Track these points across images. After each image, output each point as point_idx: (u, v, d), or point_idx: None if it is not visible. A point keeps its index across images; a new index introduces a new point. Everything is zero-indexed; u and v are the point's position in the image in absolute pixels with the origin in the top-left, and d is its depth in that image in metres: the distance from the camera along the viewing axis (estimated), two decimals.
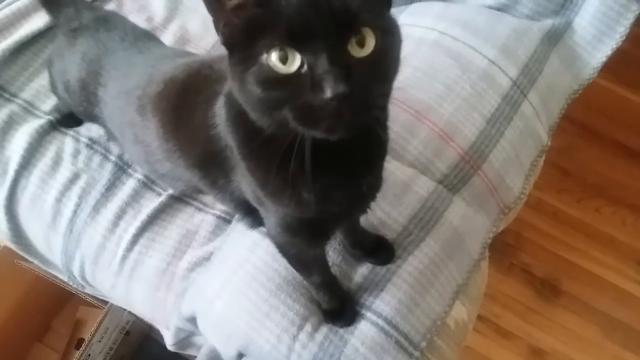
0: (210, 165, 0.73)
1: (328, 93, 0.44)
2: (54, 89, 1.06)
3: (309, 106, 0.45)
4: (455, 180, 0.90)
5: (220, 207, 1.03)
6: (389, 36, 0.49)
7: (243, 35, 0.48)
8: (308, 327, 0.80)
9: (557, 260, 1.64)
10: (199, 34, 1.23)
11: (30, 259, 1.16)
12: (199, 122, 0.69)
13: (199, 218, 1.03)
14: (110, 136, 1.06)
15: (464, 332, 0.87)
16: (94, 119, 0.99)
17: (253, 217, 0.82)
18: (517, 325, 1.56)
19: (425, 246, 0.83)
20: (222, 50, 0.54)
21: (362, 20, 0.46)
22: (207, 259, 0.98)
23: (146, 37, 0.99)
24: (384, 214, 0.84)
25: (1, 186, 1.07)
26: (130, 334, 1.42)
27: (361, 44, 0.47)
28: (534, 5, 1.07)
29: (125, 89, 0.86)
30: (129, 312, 1.34)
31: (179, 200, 1.04)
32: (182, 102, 0.77)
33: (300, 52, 0.45)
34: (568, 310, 1.59)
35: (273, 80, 0.46)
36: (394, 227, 0.83)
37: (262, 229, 0.87)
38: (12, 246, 1.14)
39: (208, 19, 1.28)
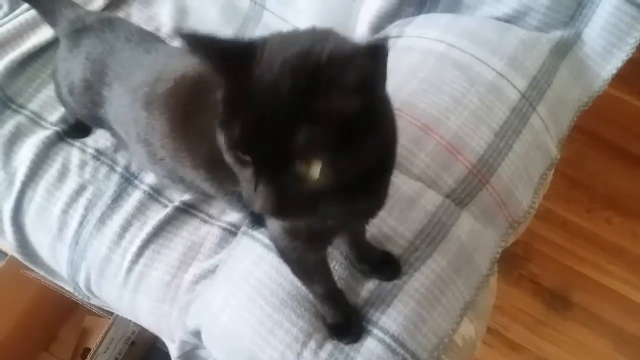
0: (217, 167, 0.71)
1: (256, 207, 0.48)
2: (58, 94, 1.06)
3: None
4: (463, 195, 0.89)
5: (226, 219, 1.03)
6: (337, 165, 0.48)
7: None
8: (312, 344, 0.79)
9: (566, 271, 1.62)
10: None
11: (36, 269, 1.17)
12: (209, 121, 0.69)
13: (205, 230, 1.02)
14: (117, 140, 1.06)
15: (472, 350, 0.86)
16: (98, 121, 0.99)
17: (259, 217, 0.82)
18: (525, 337, 1.54)
19: (432, 262, 0.82)
20: None
21: (307, 153, 0.46)
22: (212, 271, 0.98)
23: (152, 38, 0.99)
24: (389, 229, 0.83)
25: (8, 197, 1.07)
26: (135, 344, 1.42)
27: (305, 170, 0.47)
28: (543, 17, 1.06)
29: (132, 86, 0.86)
30: (135, 322, 1.34)
31: (184, 212, 1.04)
32: (193, 100, 0.76)
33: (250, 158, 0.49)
34: (577, 322, 1.56)
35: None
36: (400, 242, 0.82)
37: (266, 241, 0.87)
38: (19, 257, 1.14)
39: (213, 28, 1.28)
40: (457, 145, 0.90)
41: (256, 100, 0.47)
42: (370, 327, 0.77)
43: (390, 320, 0.77)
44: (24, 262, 1.15)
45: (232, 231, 1.02)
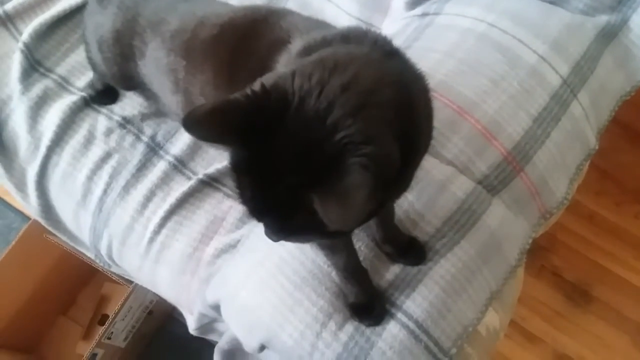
0: None
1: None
2: (88, 55, 1.05)
3: None
4: (496, 182, 0.86)
5: None
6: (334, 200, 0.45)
7: None
8: (332, 325, 0.78)
9: (589, 265, 1.58)
10: None
11: (58, 235, 1.17)
12: (258, 67, 0.67)
13: (228, 204, 1.01)
14: (148, 100, 1.04)
15: (495, 340, 0.84)
16: (128, 80, 0.97)
17: None
18: (543, 329, 1.52)
19: (460, 250, 0.79)
20: None
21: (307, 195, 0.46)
22: (233, 246, 0.97)
23: None
24: (417, 215, 0.81)
25: (33, 161, 1.07)
26: (153, 314, 1.43)
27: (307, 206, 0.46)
28: (590, 0, 1.01)
29: (169, 34, 0.84)
30: (153, 292, 1.35)
31: (208, 185, 1.03)
32: (242, 47, 0.74)
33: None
34: (598, 317, 1.53)
35: None
36: (427, 229, 0.80)
37: None
38: (41, 221, 1.15)
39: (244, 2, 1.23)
40: (492, 130, 0.87)
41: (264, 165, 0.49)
42: (394, 311, 0.76)
43: (414, 305, 0.75)
44: (46, 226, 1.16)
45: None
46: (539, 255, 1.59)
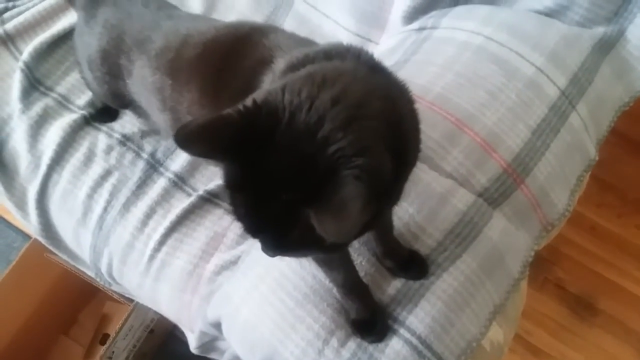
0: None
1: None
2: (81, 73, 1.06)
3: None
4: (497, 194, 0.86)
5: None
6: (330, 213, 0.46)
7: None
8: (334, 342, 0.77)
9: (593, 277, 1.57)
10: None
11: (59, 253, 1.17)
12: (242, 87, 0.67)
13: (228, 221, 1.01)
14: (141, 118, 1.04)
15: (499, 355, 0.83)
16: (120, 98, 0.97)
17: None
18: (548, 343, 1.50)
19: (462, 263, 0.79)
20: None
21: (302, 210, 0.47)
22: (234, 262, 0.97)
23: (170, 6, 0.97)
24: (418, 228, 0.80)
25: (33, 180, 1.07)
26: (154, 332, 1.42)
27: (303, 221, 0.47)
28: (586, 12, 1.01)
29: (153, 53, 0.84)
30: (154, 311, 1.34)
31: (208, 201, 1.03)
32: (226, 66, 0.74)
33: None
34: (603, 330, 1.52)
35: None
36: (428, 242, 0.80)
37: None
38: (42, 240, 1.14)
39: (244, 15, 1.26)
40: (492, 143, 0.87)
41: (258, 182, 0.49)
42: (396, 326, 0.75)
43: (417, 320, 0.75)
44: (47, 245, 1.16)
45: None
46: (542, 268, 1.58)
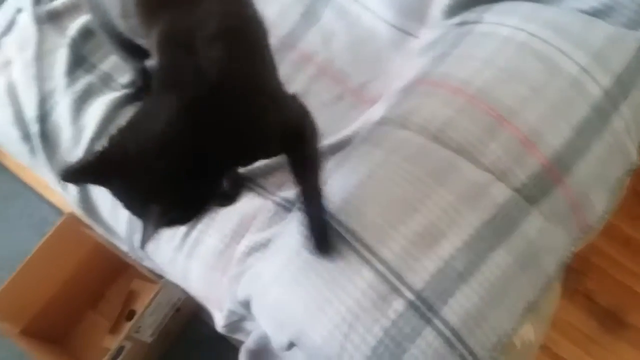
0: None
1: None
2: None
3: None
4: (535, 191, 0.85)
5: (281, 194, 1.03)
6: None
7: None
8: (359, 328, 0.76)
9: (624, 290, 1.53)
10: (274, 21, 1.22)
11: (95, 226, 1.20)
12: None
13: (259, 203, 1.03)
14: None
15: (529, 354, 0.82)
16: None
17: None
18: (575, 354, 1.47)
19: (498, 256, 0.78)
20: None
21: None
22: (264, 245, 0.97)
23: None
24: (457, 213, 0.79)
25: (74, 153, 1.10)
26: (180, 311, 1.44)
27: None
28: (633, 14, 0.99)
29: None
30: (182, 289, 1.36)
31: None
32: None
33: None
34: (630, 344, 1.48)
35: None
36: (467, 229, 0.79)
37: None
38: (79, 212, 1.17)
39: (286, 4, 1.27)
40: (532, 139, 0.86)
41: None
42: (430, 315, 0.74)
43: (451, 311, 0.74)
44: (84, 217, 1.19)
45: (286, 207, 1.01)
46: (572, 277, 1.55)
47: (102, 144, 0.71)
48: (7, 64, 1.18)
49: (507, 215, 0.81)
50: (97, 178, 0.72)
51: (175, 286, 1.32)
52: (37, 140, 1.12)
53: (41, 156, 1.12)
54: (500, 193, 0.83)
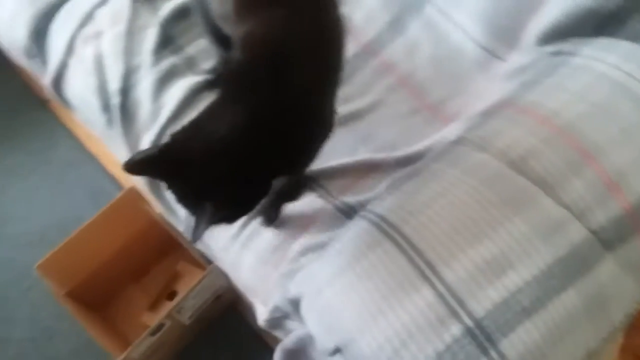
0: None
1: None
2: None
3: None
4: (613, 236, 0.81)
5: (343, 199, 1.02)
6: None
7: None
8: (413, 347, 0.75)
9: None
10: (360, 25, 1.23)
11: (157, 203, 1.22)
12: None
13: (320, 205, 1.02)
14: None
15: None
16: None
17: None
18: None
19: (566, 296, 0.75)
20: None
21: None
22: (320, 247, 0.97)
23: None
24: (531, 246, 0.77)
25: (150, 130, 1.13)
26: (219, 300, 1.45)
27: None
28: None
29: None
30: (226, 278, 1.37)
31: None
32: None
33: None
34: None
35: None
36: (539, 263, 0.76)
37: (386, 228, 0.84)
38: (146, 187, 1.20)
39: (373, 11, 1.27)
40: (617, 182, 0.82)
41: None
42: (487, 346, 0.72)
43: (510, 345, 0.71)
44: (149, 193, 1.21)
45: (346, 212, 1.01)
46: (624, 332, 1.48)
47: (165, 139, 0.75)
48: (99, 34, 1.23)
49: (581, 257, 0.78)
50: (158, 172, 0.76)
51: (221, 274, 1.34)
52: (116, 112, 1.16)
53: (117, 128, 1.16)
54: (577, 233, 0.79)
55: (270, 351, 1.49)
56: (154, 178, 0.79)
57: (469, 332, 0.73)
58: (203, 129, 0.76)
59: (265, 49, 0.80)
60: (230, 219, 0.83)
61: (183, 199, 0.77)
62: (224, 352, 1.53)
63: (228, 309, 1.56)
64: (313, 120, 0.82)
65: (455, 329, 0.73)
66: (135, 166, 0.74)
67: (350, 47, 1.20)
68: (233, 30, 0.90)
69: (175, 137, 0.76)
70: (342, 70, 0.90)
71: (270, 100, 0.77)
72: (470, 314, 0.74)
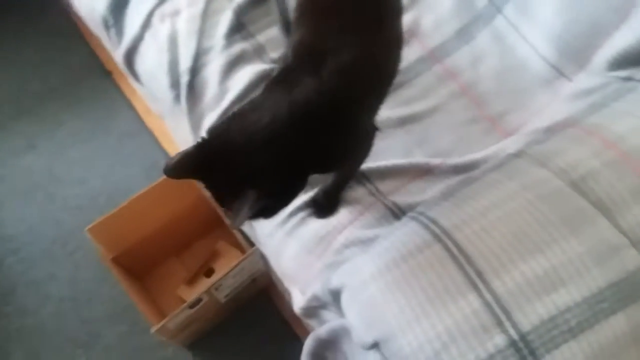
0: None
1: None
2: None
3: None
4: None
5: (392, 199, 1.03)
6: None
7: None
8: (454, 351, 0.75)
9: None
10: (427, 31, 1.24)
11: None
12: None
13: (369, 202, 1.04)
14: None
15: None
16: None
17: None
18: None
19: (615, 321, 0.74)
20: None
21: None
22: (365, 242, 0.99)
23: None
24: (583, 266, 0.77)
25: (213, 110, 1.17)
26: (254, 283, 1.49)
27: None
28: None
29: None
30: (264, 263, 1.40)
31: (355, 178, 1.06)
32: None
33: None
34: None
35: None
36: (591, 284, 0.76)
37: (437, 231, 0.85)
38: None
39: (443, 17, 1.28)
40: None
41: None
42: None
43: None
44: None
45: (395, 212, 1.02)
46: None
47: (202, 135, 0.78)
48: (176, 13, 1.27)
49: (634, 284, 0.77)
50: (197, 169, 0.77)
51: (260, 258, 1.37)
52: (184, 90, 1.20)
53: (183, 105, 1.20)
54: (632, 260, 0.78)
55: (297, 340, 1.53)
56: (193, 178, 0.80)
57: (513, 344, 0.74)
58: (245, 119, 0.79)
59: (311, 58, 0.83)
60: (268, 212, 0.84)
61: (221, 192, 0.79)
62: (251, 336, 1.56)
63: (259, 294, 1.60)
64: (348, 131, 0.84)
65: (499, 339, 0.74)
66: (174, 169, 0.77)
67: (416, 51, 1.21)
68: (292, 29, 0.92)
69: (213, 131, 0.79)
70: (389, 89, 0.93)
71: (310, 103, 0.79)
72: (515, 326, 0.74)
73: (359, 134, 0.90)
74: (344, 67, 0.81)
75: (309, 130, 0.79)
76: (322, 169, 0.92)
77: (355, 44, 0.84)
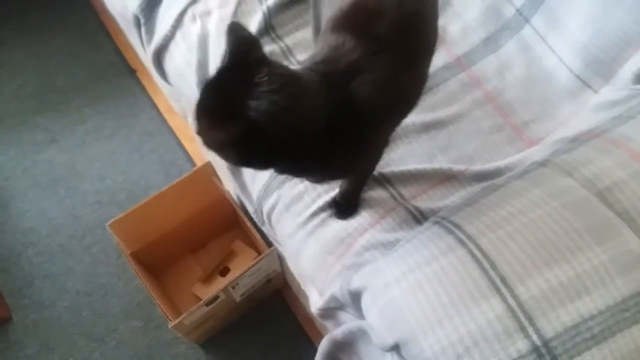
0: None
1: None
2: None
3: None
4: None
5: (415, 204, 1.04)
6: None
7: None
8: (477, 355, 0.76)
9: None
10: (455, 38, 1.25)
11: (232, 180, 1.28)
12: None
13: (391, 205, 1.04)
14: None
15: None
16: None
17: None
18: None
19: (637, 330, 0.74)
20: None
21: None
22: (386, 245, 0.99)
23: None
24: (607, 274, 0.77)
25: None
26: (269, 283, 1.50)
27: None
28: None
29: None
30: (280, 263, 1.41)
31: (378, 182, 1.07)
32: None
33: None
34: None
35: None
36: (614, 293, 0.76)
37: (461, 236, 0.85)
38: (224, 164, 1.25)
39: (470, 26, 1.28)
40: None
41: None
42: None
43: None
44: (227, 169, 1.27)
45: (416, 217, 1.03)
46: None
47: None
48: (207, 14, 1.29)
49: None
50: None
51: (277, 258, 1.38)
52: None
53: None
54: None
55: (309, 342, 1.54)
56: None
57: (535, 350, 0.74)
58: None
59: (339, 71, 0.82)
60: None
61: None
62: (264, 336, 1.57)
63: (273, 295, 1.61)
64: (359, 144, 0.84)
65: (522, 345, 0.74)
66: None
67: (442, 57, 1.22)
68: (324, 34, 0.92)
69: None
70: (409, 111, 0.94)
71: (328, 109, 0.77)
72: (538, 332, 0.74)
73: (367, 152, 0.91)
74: (374, 84, 0.82)
75: (327, 138, 0.78)
76: (330, 175, 0.94)
77: (388, 67, 0.84)
